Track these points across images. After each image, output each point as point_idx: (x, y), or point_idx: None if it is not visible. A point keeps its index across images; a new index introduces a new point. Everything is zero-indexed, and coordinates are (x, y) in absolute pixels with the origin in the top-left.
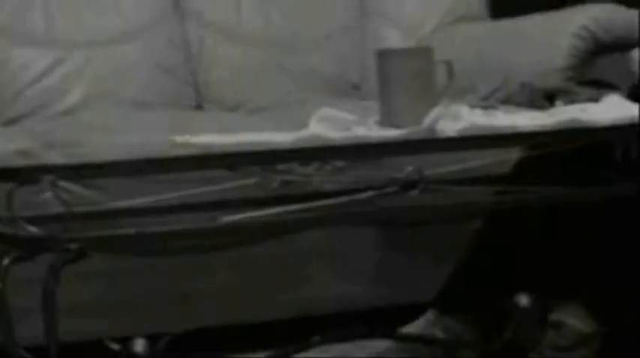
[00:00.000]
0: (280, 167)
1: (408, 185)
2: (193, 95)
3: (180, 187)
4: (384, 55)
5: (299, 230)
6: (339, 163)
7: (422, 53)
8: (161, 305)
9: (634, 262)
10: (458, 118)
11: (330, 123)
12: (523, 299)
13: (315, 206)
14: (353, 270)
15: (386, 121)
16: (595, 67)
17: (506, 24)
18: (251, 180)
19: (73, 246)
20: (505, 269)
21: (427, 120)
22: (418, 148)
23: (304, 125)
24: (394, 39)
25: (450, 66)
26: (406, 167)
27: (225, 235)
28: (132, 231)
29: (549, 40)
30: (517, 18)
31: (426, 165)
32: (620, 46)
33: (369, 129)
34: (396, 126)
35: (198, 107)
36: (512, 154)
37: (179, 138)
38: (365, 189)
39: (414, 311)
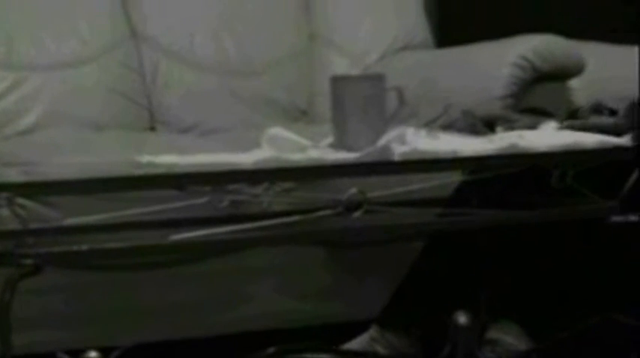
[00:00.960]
0: (229, 187)
1: (351, 206)
2: (147, 117)
3: (132, 205)
4: (339, 81)
5: (247, 248)
6: (287, 184)
7: (374, 80)
8: (113, 319)
9: (568, 282)
10: (405, 142)
11: (284, 144)
12: (462, 317)
13: (263, 225)
14: (298, 288)
15: (339, 144)
16: (534, 95)
17: (450, 53)
18: (201, 200)
19: (29, 261)
20: (445, 288)
21: (380, 144)
22: (363, 171)
23: (255, 147)
24: (341, 66)
25: (400, 92)
26: (350, 189)
27: (175, 252)
28: (85, 247)
29: (490, 69)
30: (460, 47)
31: (370, 187)
32: (558, 75)
33: (325, 152)
34: (350, 150)
35: (152, 129)
36: (454, 178)
37: (144, 159)
38: (311, 210)
39: (357, 328)
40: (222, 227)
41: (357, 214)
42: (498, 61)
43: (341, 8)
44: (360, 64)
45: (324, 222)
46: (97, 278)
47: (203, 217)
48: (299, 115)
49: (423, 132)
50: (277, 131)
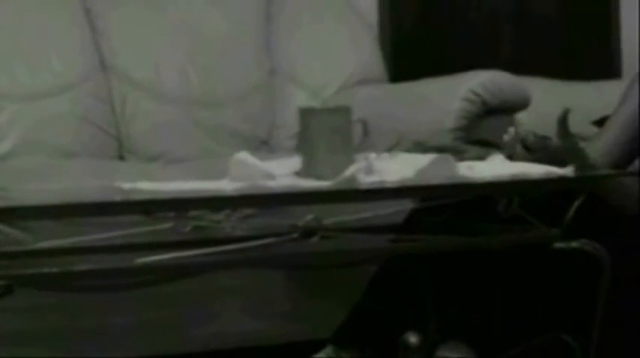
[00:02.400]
0: (193, 213)
1: (308, 232)
2: (116, 146)
3: (101, 230)
4: (307, 113)
5: (209, 271)
6: (247, 211)
7: (341, 112)
8: (82, 338)
9: (515, 304)
10: (372, 171)
11: (250, 170)
12: (412, 337)
13: (225, 250)
14: (259, 309)
15: (307, 173)
16: (482, 127)
17: (403, 87)
18: (165, 225)
19: (2, 282)
20: (397, 309)
21: (348, 173)
22: (321, 199)
23: (219, 175)
24: (300, 99)
25: (365, 124)
26: (307, 216)
27: (141, 275)
28: (56, 269)
29: (442, 102)
30: (413, 82)
31: (326, 214)
32: (505, 108)
33: (295, 180)
34: (317, 178)
35: (120, 157)
36: (406, 206)
37: (126, 185)
38: (270, 235)
39: (314, 347)
40: (186, 251)
41: (313, 240)
42: (449, 96)
43: (300, 44)
44: (318, 97)
45: (283, 247)
46: (67, 299)
47: (168, 241)
48: (260, 145)
49: (386, 155)
50: (244, 156)
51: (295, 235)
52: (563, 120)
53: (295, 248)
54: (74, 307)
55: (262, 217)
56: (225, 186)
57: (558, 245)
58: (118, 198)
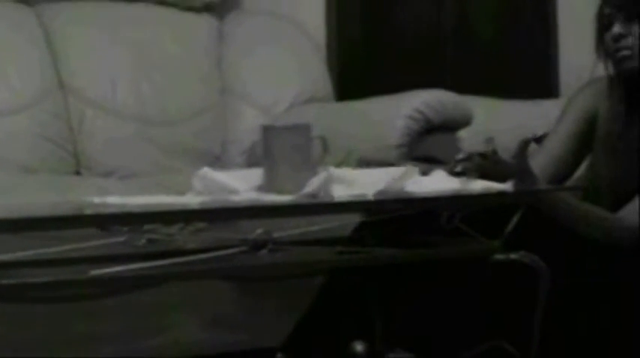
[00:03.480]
0: (146, 227)
1: (257, 245)
2: (73, 162)
3: (57, 243)
4: (269, 130)
5: (162, 283)
6: (200, 224)
7: (302, 129)
8: (39, 348)
9: (459, 314)
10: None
11: (214, 185)
12: (359, 346)
13: (177, 262)
14: (211, 319)
15: (269, 188)
16: (426, 144)
17: (350, 105)
18: (120, 238)
19: None
20: (345, 319)
21: (309, 189)
22: (270, 213)
23: (172, 190)
24: (251, 116)
25: (324, 141)
26: (256, 229)
27: (96, 286)
28: (13, 281)
29: (387, 120)
30: (359, 100)
31: (275, 227)
32: (448, 126)
33: (258, 195)
34: (279, 193)
35: (77, 173)
36: (353, 219)
37: (96, 199)
38: (220, 248)
39: (264, 356)
40: (139, 263)
41: (262, 252)
42: (394, 113)
43: (251, 64)
44: (268, 114)
45: (233, 259)
46: (24, 310)
47: (122, 254)
48: (212, 160)
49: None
50: (207, 172)
51: (245, 248)
52: (523, 147)
53: (245, 260)
54: (30, 318)
55: (214, 231)
56: (191, 200)
57: (498, 257)
58: (73, 212)
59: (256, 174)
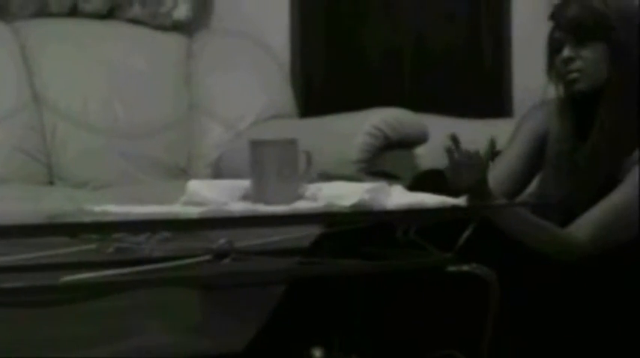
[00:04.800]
0: (115, 236)
1: (220, 254)
2: (46, 173)
3: (30, 250)
4: (257, 145)
5: (130, 289)
6: (166, 234)
7: (288, 144)
8: (12, 351)
9: (413, 322)
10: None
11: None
12: (317, 352)
13: (144, 270)
14: (176, 324)
15: (258, 199)
16: (384, 160)
17: (312, 122)
18: (90, 246)
19: None
20: (304, 326)
21: (296, 201)
22: (231, 223)
23: (142, 200)
24: (217, 132)
25: (308, 155)
26: (220, 239)
27: (67, 292)
28: None
29: (347, 136)
30: (321, 117)
31: (238, 237)
32: (405, 143)
33: (248, 206)
34: (267, 204)
35: (50, 183)
36: (313, 230)
37: (97, 208)
38: (185, 257)
39: None
40: (108, 270)
41: (225, 261)
42: (354, 130)
43: (217, 81)
44: (233, 129)
45: (197, 267)
46: None
47: (92, 261)
48: (179, 173)
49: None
50: (198, 184)
51: (209, 257)
52: (490, 146)
53: (208, 269)
54: (2, 323)
55: (179, 240)
56: (191, 210)
57: (451, 268)
58: (44, 221)
59: (232, 186)
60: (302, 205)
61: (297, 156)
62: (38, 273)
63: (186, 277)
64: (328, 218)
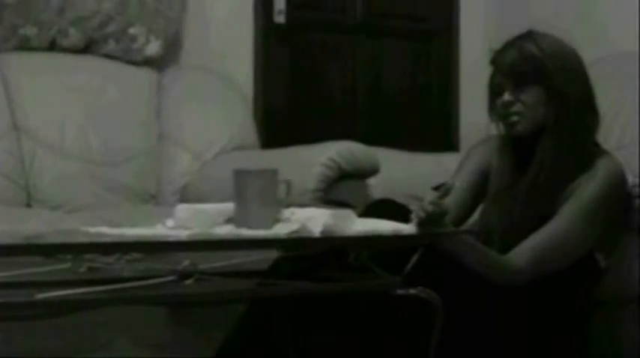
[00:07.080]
0: (87, 256)
1: (184, 275)
2: (24, 195)
3: (5, 268)
4: (241, 174)
5: (100, 306)
6: (135, 255)
7: (269, 173)
8: None
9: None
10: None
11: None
12: None
13: (114, 288)
14: (143, 339)
15: (241, 224)
16: (338, 190)
17: (273, 153)
18: (64, 265)
19: None
20: (262, 343)
21: (277, 225)
22: (196, 246)
23: (112, 223)
24: (184, 160)
25: (288, 184)
26: (183, 261)
27: (41, 308)
28: None
29: (304, 167)
30: (281, 149)
31: (201, 260)
32: (358, 174)
33: (233, 230)
34: (250, 228)
35: (28, 205)
36: (271, 254)
37: (92, 229)
38: (152, 277)
39: None
40: (81, 288)
41: (189, 282)
42: (311, 161)
43: (185, 113)
44: (200, 159)
45: (162, 287)
46: None
47: (65, 280)
48: (148, 198)
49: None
50: (185, 208)
51: (174, 277)
52: (446, 191)
53: (173, 288)
54: None
55: (147, 261)
56: (180, 233)
57: (399, 291)
58: (21, 241)
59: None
60: (280, 228)
61: (277, 185)
62: (15, 290)
63: (152, 296)
64: (299, 244)
